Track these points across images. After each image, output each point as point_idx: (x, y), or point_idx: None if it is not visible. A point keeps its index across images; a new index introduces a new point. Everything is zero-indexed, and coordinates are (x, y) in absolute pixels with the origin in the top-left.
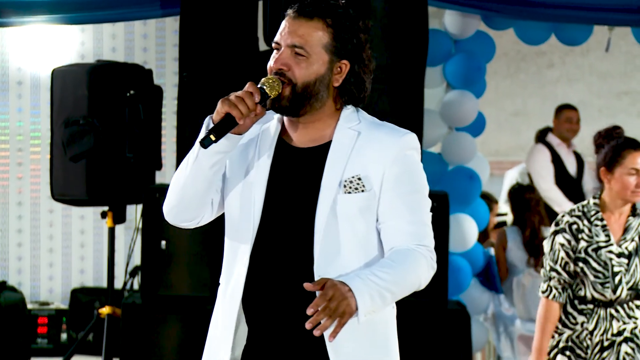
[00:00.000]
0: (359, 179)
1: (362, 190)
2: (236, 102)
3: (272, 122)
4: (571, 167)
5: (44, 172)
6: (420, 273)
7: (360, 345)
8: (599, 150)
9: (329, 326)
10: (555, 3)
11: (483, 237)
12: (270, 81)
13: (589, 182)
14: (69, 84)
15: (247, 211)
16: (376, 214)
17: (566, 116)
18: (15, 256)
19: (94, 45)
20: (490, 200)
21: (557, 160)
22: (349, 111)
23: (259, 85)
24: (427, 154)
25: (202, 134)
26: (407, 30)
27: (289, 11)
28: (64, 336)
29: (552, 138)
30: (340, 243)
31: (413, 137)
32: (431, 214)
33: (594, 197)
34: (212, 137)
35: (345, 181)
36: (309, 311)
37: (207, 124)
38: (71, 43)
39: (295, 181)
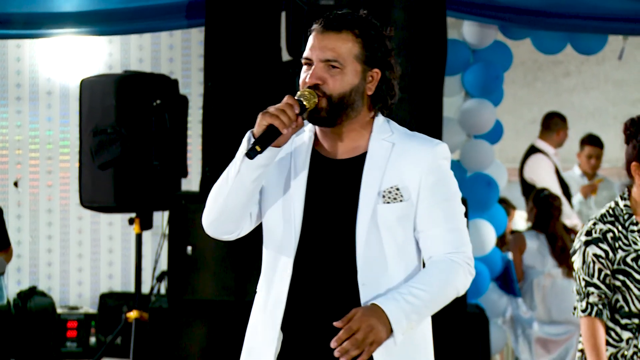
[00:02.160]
0: (397, 189)
1: (401, 200)
2: (278, 114)
3: (304, 135)
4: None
5: (73, 180)
6: (457, 283)
7: (401, 352)
8: (629, 141)
9: (355, 355)
10: (570, 13)
11: (501, 242)
12: (306, 93)
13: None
14: (97, 94)
15: (287, 224)
16: (413, 223)
17: (567, 126)
18: (45, 262)
19: (122, 56)
20: (508, 206)
21: (556, 169)
22: (380, 122)
23: (296, 98)
24: None
25: (244, 147)
26: (427, 41)
27: (315, 26)
28: (92, 340)
29: (546, 147)
30: (381, 252)
31: (445, 147)
32: (465, 219)
33: (623, 198)
34: (258, 148)
35: (384, 191)
36: (333, 344)
37: (249, 137)
38: (99, 54)
39: (333, 193)
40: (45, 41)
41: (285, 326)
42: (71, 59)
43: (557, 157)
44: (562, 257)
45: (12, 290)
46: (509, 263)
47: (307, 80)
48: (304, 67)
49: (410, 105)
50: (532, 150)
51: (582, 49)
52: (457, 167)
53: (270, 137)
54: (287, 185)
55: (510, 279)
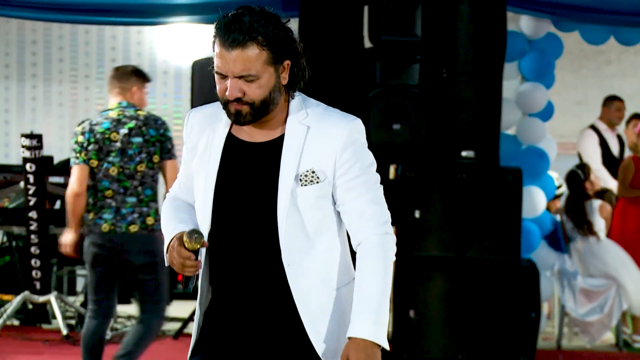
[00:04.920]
0: (313, 172)
1: (317, 182)
2: (183, 270)
3: (221, 121)
4: (615, 149)
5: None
6: (389, 261)
7: (333, 322)
8: None
9: None
10: (614, 10)
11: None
12: (195, 236)
13: None
14: (206, 74)
15: (202, 203)
16: (332, 198)
17: (617, 106)
18: None
19: None
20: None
21: (603, 143)
22: (295, 104)
23: (185, 247)
24: (504, 136)
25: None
26: (489, 32)
27: (221, 42)
28: None
29: (599, 124)
30: (303, 232)
31: (358, 122)
32: (382, 186)
33: None
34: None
35: (301, 175)
36: None
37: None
38: (208, 39)
39: (250, 175)
40: (163, 28)
41: (212, 311)
42: (184, 43)
43: (608, 132)
44: (583, 225)
45: None
46: (557, 224)
47: (227, 94)
48: (217, 77)
49: (475, 87)
50: (587, 127)
51: (623, 40)
52: (514, 141)
53: (190, 277)
54: (203, 167)
55: (557, 237)
